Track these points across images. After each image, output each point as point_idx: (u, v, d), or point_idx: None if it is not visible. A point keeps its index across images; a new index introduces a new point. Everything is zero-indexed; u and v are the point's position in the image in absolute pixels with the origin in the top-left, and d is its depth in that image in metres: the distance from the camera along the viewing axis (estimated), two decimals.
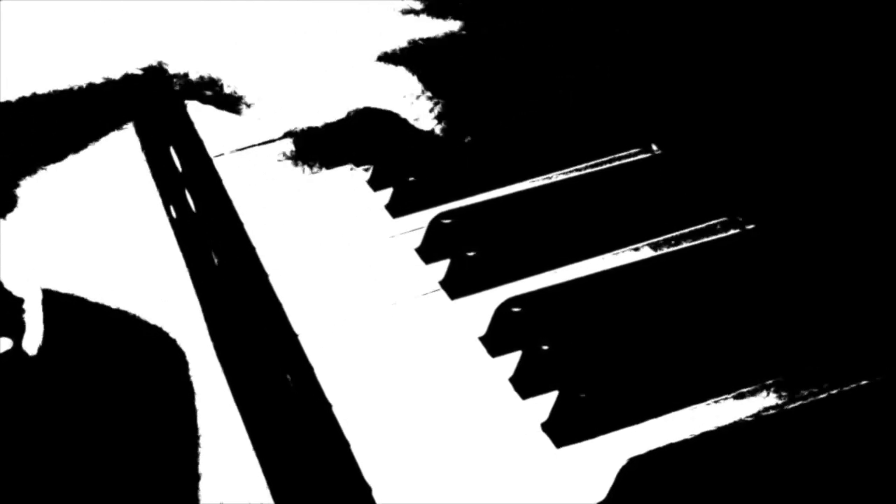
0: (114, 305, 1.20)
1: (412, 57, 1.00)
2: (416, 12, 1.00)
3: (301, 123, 0.96)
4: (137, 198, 1.38)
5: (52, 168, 0.87)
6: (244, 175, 1.06)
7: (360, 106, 0.98)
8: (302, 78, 0.97)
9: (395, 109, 0.98)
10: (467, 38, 1.18)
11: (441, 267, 0.91)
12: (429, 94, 0.97)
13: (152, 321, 1.19)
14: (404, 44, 0.99)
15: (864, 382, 0.76)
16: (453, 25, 1.04)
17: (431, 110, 0.96)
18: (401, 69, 0.98)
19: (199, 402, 1.12)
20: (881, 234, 0.80)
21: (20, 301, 0.89)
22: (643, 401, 0.76)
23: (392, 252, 0.94)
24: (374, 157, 1.04)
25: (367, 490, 0.74)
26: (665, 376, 0.77)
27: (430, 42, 1.01)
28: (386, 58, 0.99)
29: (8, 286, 0.93)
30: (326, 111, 0.96)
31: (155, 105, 0.89)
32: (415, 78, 0.98)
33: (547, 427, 0.76)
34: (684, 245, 0.90)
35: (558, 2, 1.11)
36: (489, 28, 1.20)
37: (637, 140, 1.01)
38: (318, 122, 0.96)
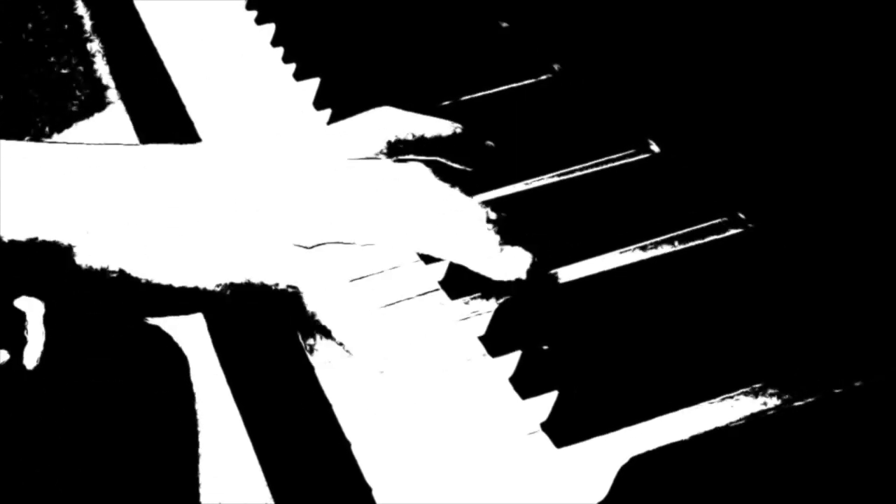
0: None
1: None
2: None
3: None
4: None
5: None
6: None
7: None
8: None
9: None
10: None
11: (440, 267, 0.91)
12: None
13: (152, 321, 1.19)
14: None
15: (863, 383, 0.76)
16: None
17: None
18: None
19: (199, 403, 1.12)
20: (881, 234, 0.80)
21: (22, 314, 0.89)
22: (643, 401, 0.76)
23: (391, 251, 0.94)
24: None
25: (367, 490, 0.74)
26: (665, 376, 0.77)
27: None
28: None
29: (9, 297, 0.93)
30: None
31: None
32: None
33: (547, 427, 0.76)
34: (684, 245, 0.90)
35: (558, 1, 1.11)
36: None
37: (636, 139, 1.01)
38: None
